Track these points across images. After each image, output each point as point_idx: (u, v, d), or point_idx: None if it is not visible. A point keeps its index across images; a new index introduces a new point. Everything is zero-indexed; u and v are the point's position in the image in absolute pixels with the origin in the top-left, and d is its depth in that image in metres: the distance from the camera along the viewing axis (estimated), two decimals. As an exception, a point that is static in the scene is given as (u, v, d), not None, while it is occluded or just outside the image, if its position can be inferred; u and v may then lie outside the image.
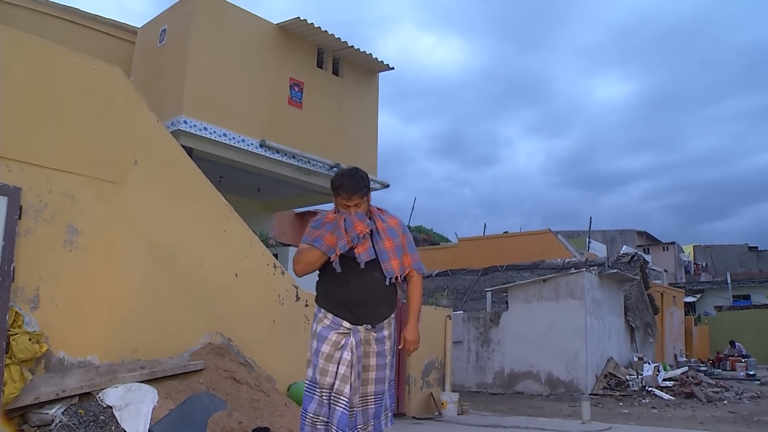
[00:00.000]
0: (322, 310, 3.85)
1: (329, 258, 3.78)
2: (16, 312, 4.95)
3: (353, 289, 3.76)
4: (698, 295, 36.49)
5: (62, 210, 5.36)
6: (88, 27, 11.31)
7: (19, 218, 5.07)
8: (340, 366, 3.65)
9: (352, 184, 3.81)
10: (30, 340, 4.92)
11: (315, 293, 4.02)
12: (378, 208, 4.04)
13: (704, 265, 48.61)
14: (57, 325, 5.20)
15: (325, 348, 3.70)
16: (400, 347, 3.92)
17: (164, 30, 10.82)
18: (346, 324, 3.74)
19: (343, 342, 3.71)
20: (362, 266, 3.75)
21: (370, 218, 3.90)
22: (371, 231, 3.84)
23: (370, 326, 3.77)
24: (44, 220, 5.24)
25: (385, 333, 3.85)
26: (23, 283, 5.07)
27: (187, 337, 6.13)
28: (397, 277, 3.86)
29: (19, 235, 5.05)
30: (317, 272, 3.97)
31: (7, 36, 5.25)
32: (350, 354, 3.66)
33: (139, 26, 11.78)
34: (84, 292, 5.43)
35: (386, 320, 3.87)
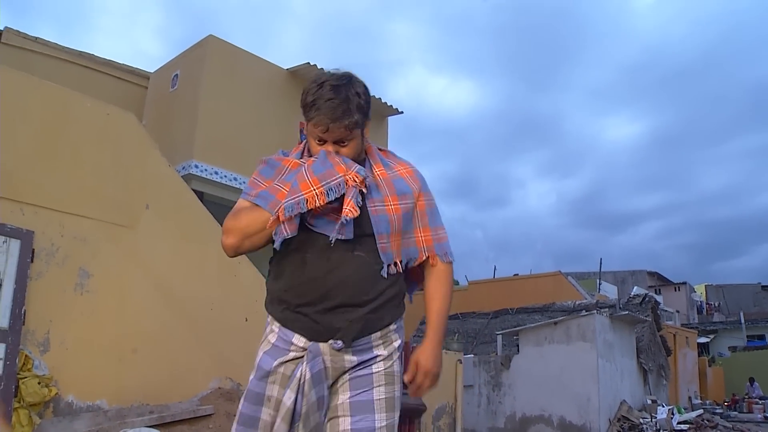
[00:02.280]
0: (269, 318, 2.20)
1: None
2: (26, 355, 4.95)
3: (312, 273, 2.03)
4: (711, 336, 36.03)
5: (74, 253, 5.39)
6: (102, 72, 11.52)
7: (32, 261, 5.11)
8: (277, 422, 2.03)
9: (333, 104, 2.03)
10: (39, 383, 4.91)
11: None
12: (381, 149, 2.38)
13: (717, 304, 48.08)
14: (66, 369, 5.19)
15: (257, 391, 2.09)
16: (408, 380, 2.15)
17: (176, 75, 10.99)
18: (298, 341, 2.06)
19: (291, 376, 2.05)
20: (332, 239, 2.01)
21: (363, 162, 2.22)
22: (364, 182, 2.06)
23: (341, 344, 2.01)
24: (56, 264, 5.27)
25: (378, 354, 2.11)
26: (34, 327, 5.08)
27: (196, 381, 6.10)
28: (398, 264, 2.13)
29: (31, 279, 5.09)
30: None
31: (24, 82, 5.36)
32: (293, 397, 2.00)
33: (152, 71, 11.98)
34: (94, 336, 5.43)
35: (380, 332, 2.11)
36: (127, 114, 6.06)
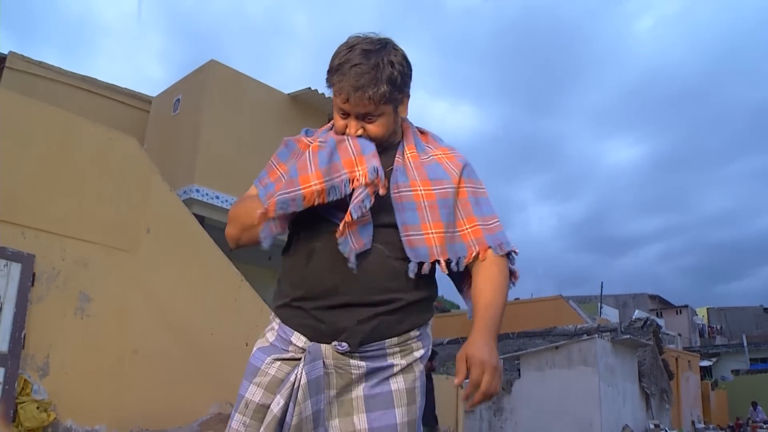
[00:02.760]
0: (272, 315, 1.92)
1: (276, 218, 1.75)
2: (25, 380, 4.94)
3: (319, 264, 1.75)
4: (714, 359, 35.84)
5: (75, 277, 5.40)
6: (105, 96, 11.59)
7: (32, 285, 5.11)
8: None
9: (359, 70, 1.71)
10: (38, 408, 4.89)
11: None
12: (421, 131, 2.00)
13: (719, 327, 47.85)
14: (66, 393, 5.17)
15: (250, 394, 1.78)
16: (459, 382, 1.68)
17: (178, 99, 11.06)
18: (297, 340, 1.76)
19: (285, 380, 1.74)
20: (338, 226, 1.69)
21: (397, 145, 1.88)
22: (392, 169, 1.80)
23: (346, 346, 1.69)
24: (57, 288, 5.27)
25: (394, 364, 1.76)
26: (34, 351, 5.07)
27: (196, 407, 6.07)
28: (440, 264, 1.75)
29: (32, 302, 5.08)
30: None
31: (27, 107, 5.39)
32: (281, 403, 1.69)
33: (154, 95, 12.05)
34: (94, 360, 5.41)
35: (397, 338, 1.75)
36: (128, 138, 6.09)
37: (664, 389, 17.12)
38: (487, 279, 1.77)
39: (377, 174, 1.68)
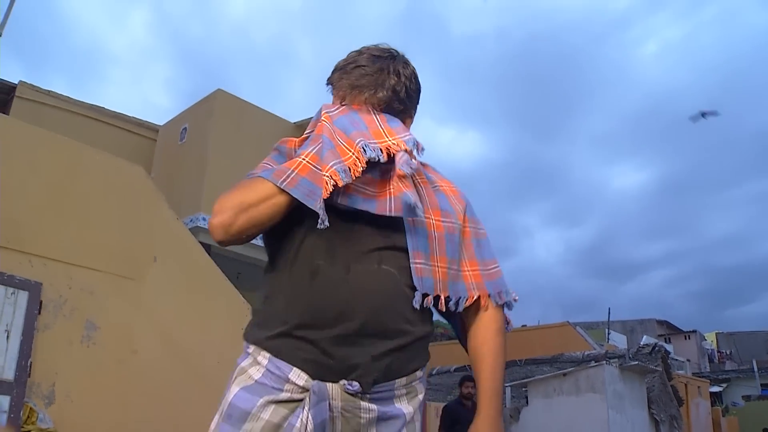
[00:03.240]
0: (251, 348, 1.59)
1: (300, 207, 1.52)
2: (30, 408, 4.93)
3: (326, 284, 1.51)
4: (724, 385, 35.49)
5: (81, 305, 5.41)
6: (112, 125, 11.70)
7: (39, 313, 5.12)
8: None
9: (362, 71, 1.64)
10: (44, 438, 4.88)
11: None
12: (421, 163, 1.77)
13: (728, 353, 47.47)
14: (71, 422, 5.16)
15: None
16: None
17: (185, 128, 11.15)
18: (297, 378, 1.49)
19: (285, 426, 1.47)
20: (367, 236, 1.56)
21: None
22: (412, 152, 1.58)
23: (358, 386, 1.47)
24: (63, 316, 5.28)
25: (405, 411, 1.57)
26: (40, 379, 5.07)
27: (201, 435, 6.04)
28: (440, 300, 1.62)
29: (38, 330, 5.09)
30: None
31: (34, 135, 5.45)
32: None
33: (161, 123, 12.15)
34: (100, 389, 5.40)
35: (406, 378, 1.57)
36: (135, 167, 6.14)
37: (673, 416, 16.93)
38: (488, 337, 1.70)
39: (416, 145, 1.56)
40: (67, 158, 5.62)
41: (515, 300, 1.76)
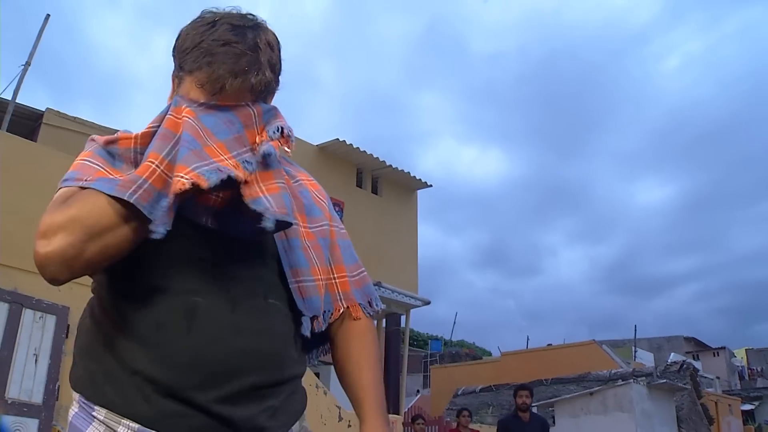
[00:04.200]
0: (102, 413, 1.14)
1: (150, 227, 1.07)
2: (58, 431, 4.97)
3: (211, 330, 1.15)
4: (756, 403, 34.79)
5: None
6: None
7: (66, 337, 5.18)
8: None
9: (236, 50, 1.22)
10: (72, 462, 4.92)
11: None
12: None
13: (759, 369, 46.62)
14: (99, 447, 5.20)
15: None
16: None
17: (208, 151, 11.28)
18: None
19: None
20: (242, 258, 1.24)
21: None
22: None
23: None
24: (90, 340, 5.35)
25: None
26: (67, 402, 5.11)
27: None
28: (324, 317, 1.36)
29: (66, 354, 5.15)
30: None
31: (64, 163, 5.53)
32: None
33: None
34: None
35: (299, 422, 1.34)
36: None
37: (704, 435, 16.66)
38: (364, 349, 1.41)
39: (280, 131, 1.24)
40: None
41: (380, 311, 1.52)
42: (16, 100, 9.38)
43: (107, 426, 1.12)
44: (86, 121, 11.49)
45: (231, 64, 1.21)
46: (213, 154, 1.12)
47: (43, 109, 10.94)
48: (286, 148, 1.25)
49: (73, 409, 1.18)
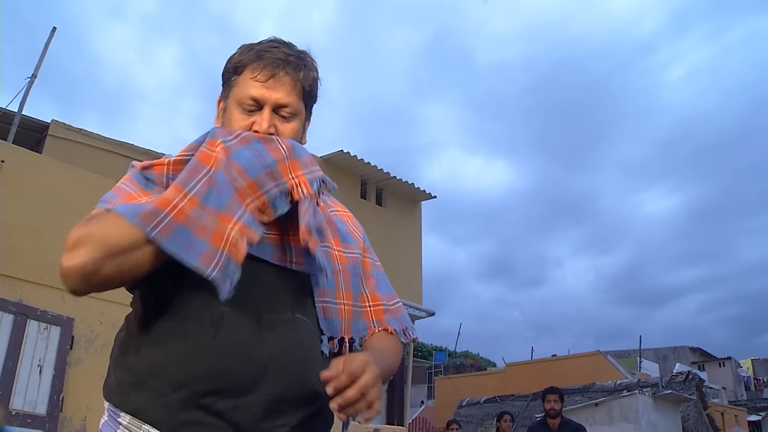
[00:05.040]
0: (126, 419, 1.16)
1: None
2: (63, 444, 4.98)
3: (236, 338, 1.19)
4: (762, 413, 34.53)
5: (113, 340, 5.46)
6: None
7: (71, 348, 5.20)
8: None
9: (286, 51, 1.37)
10: (76, 473, 4.91)
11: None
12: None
13: (765, 380, 46.37)
14: (103, 458, 5.20)
15: None
16: (325, 378, 1.09)
17: (213, 162, 11.31)
18: None
19: None
20: (272, 273, 1.27)
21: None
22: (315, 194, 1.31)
23: None
24: (95, 351, 5.35)
25: None
26: (72, 413, 5.12)
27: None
28: (344, 343, 1.36)
29: (70, 365, 5.16)
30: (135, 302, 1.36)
31: (69, 175, 5.57)
32: None
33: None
34: (131, 423, 5.45)
35: None
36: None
37: (710, 446, 16.56)
38: (384, 341, 1.41)
39: (321, 184, 1.28)
40: (99, 195, 5.72)
41: (415, 340, 1.56)
42: (22, 112, 9.43)
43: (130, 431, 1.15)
44: (92, 132, 11.53)
45: (283, 57, 1.33)
46: (242, 196, 1.17)
47: (49, 121, 11.00)
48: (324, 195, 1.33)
49: (103, 418, 1.22)
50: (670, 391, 15.15)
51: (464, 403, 18.89)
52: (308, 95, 1.39)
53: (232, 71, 1.37)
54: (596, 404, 14.22)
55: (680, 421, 15.47)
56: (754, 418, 31.05)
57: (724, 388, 32.89)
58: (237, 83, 1.36)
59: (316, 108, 1.47)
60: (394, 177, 12.53)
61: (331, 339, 1.32)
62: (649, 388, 15.27)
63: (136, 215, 1.09)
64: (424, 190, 13.26)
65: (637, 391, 14.32)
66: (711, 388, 26.27)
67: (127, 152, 11.74)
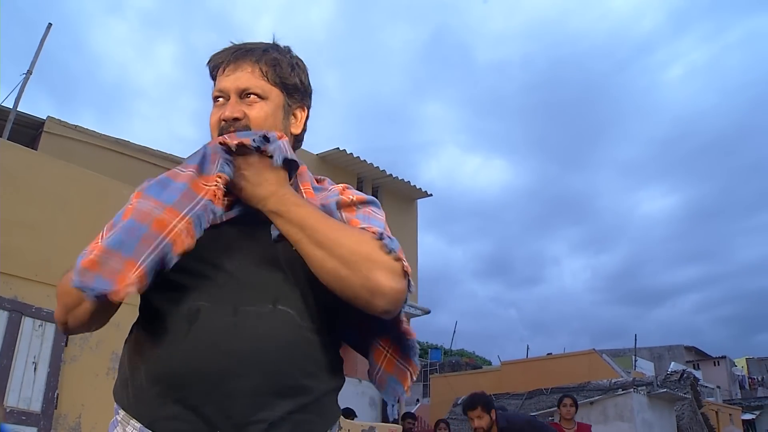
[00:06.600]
0: (120, 414, 1.26)
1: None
2: (58, 441, 4.97)
3: (205, 329, 1.20)
4: (757, 412, 34.66)
5: (107, 338, 5.46)
6: (138, 158, 11.86)
7: (66, 345, 5.18)
8: None
9: (251, 44, 1.42)
10: (71, 471, 4.90)
11: None
12: (317, 178, 1.61)
13: (760, 378, 46.50)
14: (98, 455, 5.18)
15: None
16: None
17: (209, 160, 11.28)
18: None
19: None
20: (258, 260, 1.26)
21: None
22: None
23: None
24: (90, 348, 5.33)
25: None
26: (66, 411, 5.11)
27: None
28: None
29: (65, 363, 5.15)
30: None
31: (65, 172, 5.55)
32: None
33: (186, 156, 12.32)
34: (126, 421, 5.44)
35: None
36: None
37: (705, 445, 16.61)
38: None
39: (226, 170, 1.26)
40: (95, 193, 5.71)
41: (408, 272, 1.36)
42: (18, 109, 9.40)
43: (122, 426, 1.23)
44: (87, 129, 11.50)
45: (241, 46, 1.39)
46: (163, 224, 1.16)
47: (45, 118, 10.96)
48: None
49: (114, 417, 1.29)
50: (665, 390, 15.18)
51: (459, 402, 18.91)
52: (282, 80, 1.39)
53: (212, 79, 1.43)
54: (591, 403, 14.23)
55: (675, 419, 15.51)
56: (748, 417, 31.14)
57: (718, 387, 32.96)
58: (215, 79, 1.41)
59: (313, 106, 1.50)
60: (390, 175, 12.54)
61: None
62: (644, 387, 15.30)
63: (75, 275, 1.13)
64: (420, 189, 13.27)
65: (632, 390, 14.34)
66: (706, 387, 26.32)
67: (123, 149, 11.72)
